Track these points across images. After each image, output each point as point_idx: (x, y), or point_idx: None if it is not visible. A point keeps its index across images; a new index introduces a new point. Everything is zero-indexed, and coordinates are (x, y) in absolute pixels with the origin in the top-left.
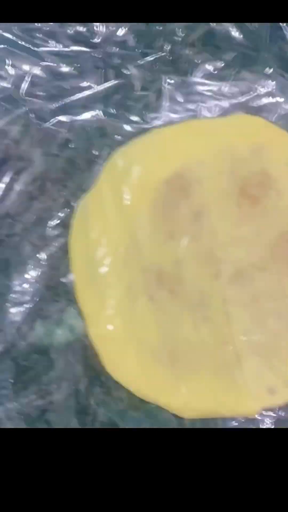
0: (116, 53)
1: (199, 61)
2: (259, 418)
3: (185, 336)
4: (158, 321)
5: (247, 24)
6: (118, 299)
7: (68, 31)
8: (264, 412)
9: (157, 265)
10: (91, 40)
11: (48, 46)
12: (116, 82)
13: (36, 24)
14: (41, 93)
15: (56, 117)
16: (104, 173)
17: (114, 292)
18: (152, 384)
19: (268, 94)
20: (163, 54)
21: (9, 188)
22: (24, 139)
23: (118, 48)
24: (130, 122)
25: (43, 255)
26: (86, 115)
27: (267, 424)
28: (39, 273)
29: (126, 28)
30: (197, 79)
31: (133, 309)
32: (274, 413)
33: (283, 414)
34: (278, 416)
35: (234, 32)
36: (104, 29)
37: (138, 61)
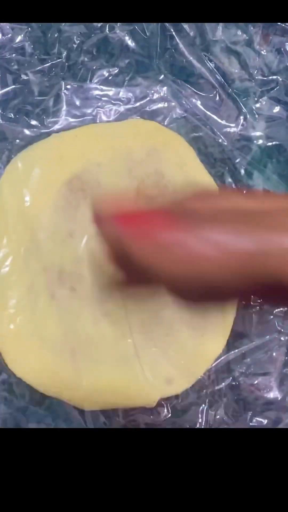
0: (13, 59)
1: (95, 67)
2: (157, 407)
3: (85, 331)
4: (59, 318)
5: (140, 32)
6: (20, 298)
7: None
8: (162, 402)
9: (57, 264)
10: None
11: None
12: (14, 87)
13: None
14: None
15: None
16: (5, 176)
17: (15, 292)
18: (54, 379)
19: (161, 99)
20: (60, 60)
21: None
22: None
23: (15, 54)
24: (30, 127)
25: None
26: None
27: (165, 413)
28: None
29: (22, 35)
30: (93, 84)
31: (35, 307)
32: (170, 402)
33: (179, 401)
34: (175, 405)
35: (127, 39)
36: (0, 36)
37: (36, 67)
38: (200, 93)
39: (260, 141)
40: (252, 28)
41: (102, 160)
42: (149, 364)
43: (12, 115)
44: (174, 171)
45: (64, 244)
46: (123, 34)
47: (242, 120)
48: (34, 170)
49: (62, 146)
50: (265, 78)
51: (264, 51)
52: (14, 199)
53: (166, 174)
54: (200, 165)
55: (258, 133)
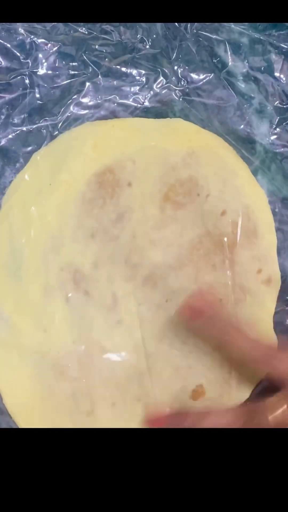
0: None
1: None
2: None
3: (97, 339)
4: (72, 324)
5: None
6: (36, 300)
7: None
8: None
9: (74, 265)
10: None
11: None
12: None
13: None
14: None
15: None
16: (33, 162)
17: (31, 293)
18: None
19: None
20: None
21: None
22: None
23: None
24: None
25: None
26: None
27: None
28: None
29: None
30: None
31: (49, 310)
32: None
33: None
34: None
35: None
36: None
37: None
38: (204, 93)
39: (265, 141)
40: (274, 56)
41: (138, 158)
42: (159, 382)
43: None
44: (209, 180)
45: (84, 245)
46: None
47: (246, 120)
48: (64, 156)
49: (97, 134)
50: (283, 106)
51: (284, 79)
52: (39, 186)
53: (201, 180)
54: (243, 168)
55: (262, 133)
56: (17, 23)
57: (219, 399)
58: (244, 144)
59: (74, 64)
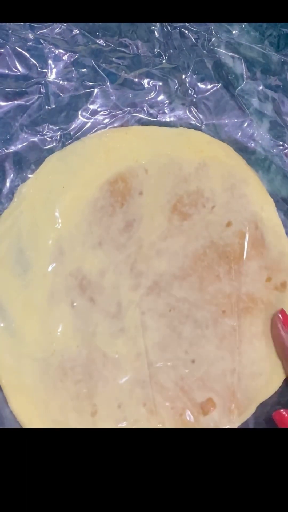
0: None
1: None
2: None
3: (99, 347)
4: (75, 330)
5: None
6: (42, 304)
7: None
8: None
9: (82, 271)
10: None
11: None
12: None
13: None
14: None
15: None
16: (47, 164)
17: (38, 297)
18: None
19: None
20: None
21: None
22: None
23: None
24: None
25: None
26: None
27: None
28: None
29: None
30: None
31: (54, 314)
32: None
33: None
34: None
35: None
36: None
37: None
38: (216, 108)
39: (264, 142)
40: None
41: (150, 167)
42: (161, 388)
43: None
44: (216, 193)
45: (91, 252)
46: None
47: (246, 121)
48: (77, 162)
49: (110, 141)
50: None
51: None
52: (49, 189)
53: (206, 192)
54: (253, 176)
55: (262, 134)
56: (35, 33)
57: (228, 412)
58: (242, 142)
59: (90, 74)
